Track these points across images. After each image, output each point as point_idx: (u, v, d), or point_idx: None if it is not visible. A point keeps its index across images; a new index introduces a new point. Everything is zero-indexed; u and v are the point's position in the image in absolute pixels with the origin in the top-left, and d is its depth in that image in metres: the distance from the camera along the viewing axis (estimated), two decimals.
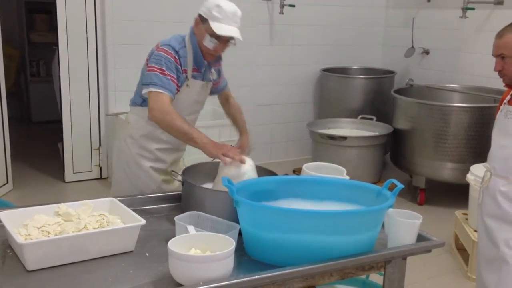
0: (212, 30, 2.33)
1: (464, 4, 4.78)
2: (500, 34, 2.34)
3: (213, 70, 2.59)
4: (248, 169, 2.20)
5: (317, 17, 5.58)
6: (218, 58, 2.60)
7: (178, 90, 2.41)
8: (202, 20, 2.39)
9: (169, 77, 2.35)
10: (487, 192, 2.46)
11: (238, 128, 2.80)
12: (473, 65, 4.97)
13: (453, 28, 5.14)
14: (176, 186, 2.53)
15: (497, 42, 2.35)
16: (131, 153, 2.54)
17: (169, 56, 2.37)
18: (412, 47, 5.45)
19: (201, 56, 2.46)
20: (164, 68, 2.35)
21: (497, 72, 2.39)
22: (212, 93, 2.71)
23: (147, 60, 2.48)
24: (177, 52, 2.39)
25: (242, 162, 2.20)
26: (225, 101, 2.81)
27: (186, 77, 2.44)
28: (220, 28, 2.33)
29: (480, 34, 4.86)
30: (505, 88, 2.49)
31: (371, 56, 5.98)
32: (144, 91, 2.38)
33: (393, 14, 5.87)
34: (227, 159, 2.20)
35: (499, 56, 2.34)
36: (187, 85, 2.46)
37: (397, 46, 5.70)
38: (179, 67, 2.40)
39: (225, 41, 2.40)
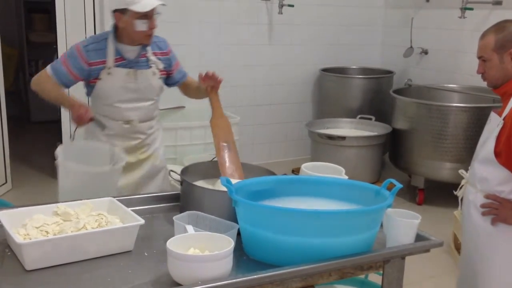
0: (137, 13, 2.44)
1: (463, 4, 4.78)
2: (482, 35, 2.22)
3: (154, 58, 2.64)
4: None
5: (316, 17, 5.58)
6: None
7: (81, 79, 2.58)
8: (122, 12, 2.48)
9: (64, 67, 2.53)
10: (464, 201, 2.33)
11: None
12: (472, 65, 4.90)
13: (452, 28, 5.14)
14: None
15: (479, 43, 2.22)
16: None
17: (75, 51, 2.53)
18: (411, 47, 5.45)
19: (123, 47, 2.56)
20: (66, 59, 2.54)
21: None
22: (168, 84, 2.79)
23: None
24: (86, 46, 2.54)
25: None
26: (185, 89, 2.88)
27: (105, 66, 2.55)
28: (143, 6, 2.43)
29: (479, 34, 4.81)
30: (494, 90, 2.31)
31: (370, 56, 5.98)
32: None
33: (392, 14, 5.88)
34: None
35: (481, 58, 2.22)
36: (109, 73, 2.56)
37: (396, 46, 5.70)
38: (82, 63, 2.52)
39: (151, 15, 2.51)
